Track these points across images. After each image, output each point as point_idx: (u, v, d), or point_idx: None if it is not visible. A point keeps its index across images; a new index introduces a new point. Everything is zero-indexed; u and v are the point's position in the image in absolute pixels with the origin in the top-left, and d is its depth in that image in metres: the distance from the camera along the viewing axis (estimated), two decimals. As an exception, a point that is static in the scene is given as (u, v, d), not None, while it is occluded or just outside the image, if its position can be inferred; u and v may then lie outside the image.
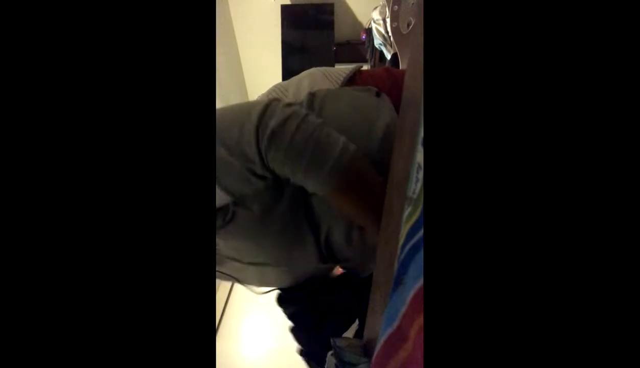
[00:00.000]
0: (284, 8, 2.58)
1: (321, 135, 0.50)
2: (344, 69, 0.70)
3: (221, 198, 0.53)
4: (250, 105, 0.53)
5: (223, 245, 0.59)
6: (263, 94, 0.71)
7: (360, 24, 2.59)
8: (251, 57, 2.89)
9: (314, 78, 0.68)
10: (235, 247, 0.59)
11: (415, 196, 0.33)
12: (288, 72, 2.65)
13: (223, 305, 2.61)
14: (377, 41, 2.03)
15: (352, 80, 0.68)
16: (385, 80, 0.67)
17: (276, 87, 0.70)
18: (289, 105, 0.52)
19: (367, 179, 0.53)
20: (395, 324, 0.32)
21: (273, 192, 0.55)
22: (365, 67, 2.27)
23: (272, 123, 0.49)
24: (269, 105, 0.51)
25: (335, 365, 0.51)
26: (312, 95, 0.62)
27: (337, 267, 0.69)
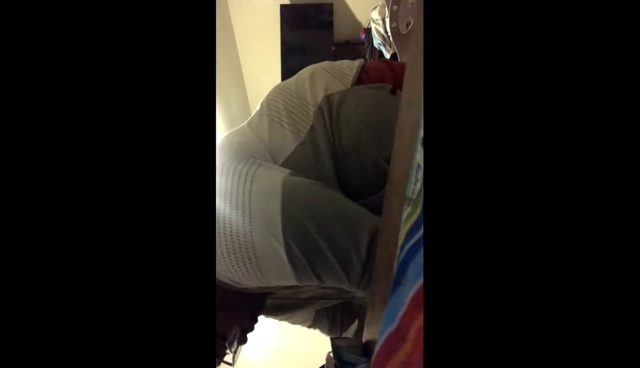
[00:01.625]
0: (283, 8, 2.58)
1: None
2: (347, 66, 0.70)
3: (309, 279, 0.57)
4: (364, 219, 0.57)
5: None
6: (271, 92, 0.69)
7: (359, 23, 2.59)
8: (251, 57, 2.88)
9: (322, 78, 0.68)
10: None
11: (414, 196, 0.33)
12: (288, 72, 2.64)
13: (222, 305, 2.60)
14: (377, 41, 2.03)
15: (360, 79, 0.68)
16: (389, 75, 0.68)
17: (281, 90, 0.68)
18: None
19: None
20: (394, 324, 0.32)
21: None
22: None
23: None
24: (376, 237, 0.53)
25: (335, 365, 0.51)
26: (328, 100, 0.64)
27: None
